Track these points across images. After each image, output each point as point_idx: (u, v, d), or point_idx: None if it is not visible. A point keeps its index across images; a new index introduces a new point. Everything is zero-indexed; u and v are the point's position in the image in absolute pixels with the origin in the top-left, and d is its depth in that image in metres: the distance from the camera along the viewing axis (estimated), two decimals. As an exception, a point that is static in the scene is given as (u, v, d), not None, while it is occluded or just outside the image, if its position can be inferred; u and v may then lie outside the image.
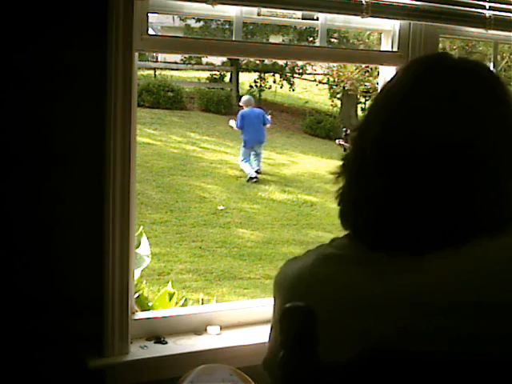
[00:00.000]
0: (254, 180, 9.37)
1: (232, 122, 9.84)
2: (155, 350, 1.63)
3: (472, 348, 0.74)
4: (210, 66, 15.45)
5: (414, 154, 0.80)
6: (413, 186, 0.80)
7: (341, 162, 0.90)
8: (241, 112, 9.79)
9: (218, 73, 15.39)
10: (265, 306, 1.82)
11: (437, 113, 0.81)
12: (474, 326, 0.74)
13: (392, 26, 1.83)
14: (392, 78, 0.91)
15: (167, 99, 12.49)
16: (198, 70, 15.61)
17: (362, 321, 0.79)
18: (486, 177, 0.79)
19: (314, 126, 13.12)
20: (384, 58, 1.87)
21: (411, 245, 0.80)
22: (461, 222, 0.79)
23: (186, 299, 3.11)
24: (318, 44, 1.79)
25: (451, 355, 0.74)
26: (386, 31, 1.85)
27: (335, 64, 12.66)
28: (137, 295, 2.43)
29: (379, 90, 0.92)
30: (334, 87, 14.76)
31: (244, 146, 9.62)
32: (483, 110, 0.82)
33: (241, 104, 10.10)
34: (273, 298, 0.95)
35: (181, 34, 14.47)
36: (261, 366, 0.94)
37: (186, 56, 14.99)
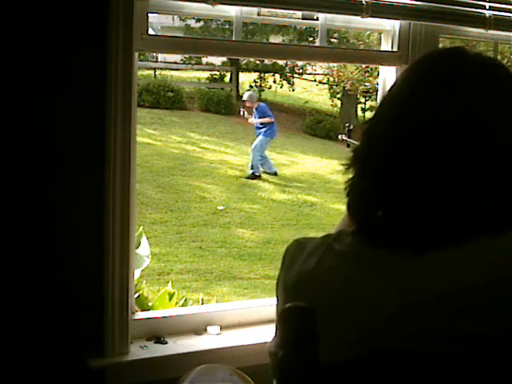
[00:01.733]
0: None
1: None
2: (155, 350, 1.63)
3: (474, 347, 0.74)
4: (210, 66, 15.45)
5: (419, 150, 0.80)
6: (416, 181, 0.80)
7: (351, 154, 0.90)
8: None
9: (218, 73, 15.39)
10: (265, 306, 1.82)
11: (446, 109, 0.81)
12: (475, 324, 0.74)
13: (392, 26, 1.83)
14: (404, 71, 0.90)
15: (167, 99, 12.49)
16: (198, 69, 15.60)
17: (362, 320, 0.79)
18: (492, 175, 0.79)
19: (313, 126, 13.11)
20: (384, 57, 1.87)
21: (413, 242, 0.79)
22: (463, 221, 0.78)
23: (186, 299, 3.10)
24: (318, 44, 1.79)
25: (452, 354, 0.74)
26: (386, 31, 1.85)
27: (335, 64, 12.67)
28: (137, 295, 2.43)
29: (392, 83, 0.91)
30: (334, 87, 14.76)
31: (272, 137, 9.76)
32: (495, 107, 0.82)
33: (248, 99, 10.11)
34: (275, 297, 0.95)
35: (181, 34, 14.46)
36: (266, 351, 0.94)
37: (186, 56, 14.98)
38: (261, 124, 9.71)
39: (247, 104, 10.04)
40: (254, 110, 9.86)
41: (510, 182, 0.80)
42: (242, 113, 10.54)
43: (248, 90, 14.77)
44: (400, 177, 0.81)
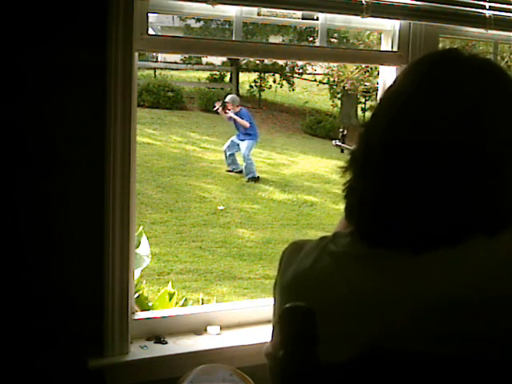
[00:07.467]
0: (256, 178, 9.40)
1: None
2: (155, 350, 1.63)
3: (473, 347, 0.74)
4: (210, 66, 15.45)
5: (416, 151, 0.80)
6: (414, 183, 0.80)
7: (349, 156, 0.91)
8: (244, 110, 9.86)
9: (218, 73, 15.38)
10: (265, 306, 1.82)
11: (443, 110, 0.81)
12: (474, 324, 0.74)
13: (392, 25, 1.83)
14: (401, 73, 0.90)
15: (167, 99, 12.49)
16: (198, 70, 15.60)
17: (362, 320, 0.79)
18: (488, 176, 0.79)
19: (313, 126, 13.11)
20: (384, 57, 1.87)
21: (412, 242, 0.80)
22: (460, 220, 0.79)
23: (186, 299, 3.11)
24: (318, 44, 1.79)
25: (452, 354, 0.74)
26: (386, 31, 1.85)
27: (335, 64, 12.67)
28: (137, 295, 2.43)
29: (389, 85, 0.91)
30: (334, 87, 14.75)
31: (256, 141, 9.67)
32: (490, 109, 0.82)
33: (229, 102, 9.89)
34: (273, 298, 0.95)
35: (181, 34, 14.46)
36: (263, 354, 0.94)
37: (186, 56, 14.98)
38: (244, 129, 9.59)
39: (228, 106, 9.81)
40: (235, 114, 9.67)
41: (506, 182, 0.80)
42: (216, 107, 10.13)
43: (248, 90, 14.78)
44: (398, 178, 0.81)
